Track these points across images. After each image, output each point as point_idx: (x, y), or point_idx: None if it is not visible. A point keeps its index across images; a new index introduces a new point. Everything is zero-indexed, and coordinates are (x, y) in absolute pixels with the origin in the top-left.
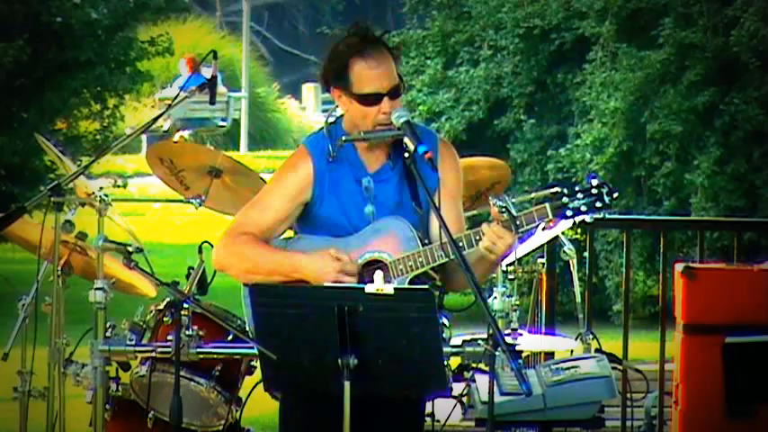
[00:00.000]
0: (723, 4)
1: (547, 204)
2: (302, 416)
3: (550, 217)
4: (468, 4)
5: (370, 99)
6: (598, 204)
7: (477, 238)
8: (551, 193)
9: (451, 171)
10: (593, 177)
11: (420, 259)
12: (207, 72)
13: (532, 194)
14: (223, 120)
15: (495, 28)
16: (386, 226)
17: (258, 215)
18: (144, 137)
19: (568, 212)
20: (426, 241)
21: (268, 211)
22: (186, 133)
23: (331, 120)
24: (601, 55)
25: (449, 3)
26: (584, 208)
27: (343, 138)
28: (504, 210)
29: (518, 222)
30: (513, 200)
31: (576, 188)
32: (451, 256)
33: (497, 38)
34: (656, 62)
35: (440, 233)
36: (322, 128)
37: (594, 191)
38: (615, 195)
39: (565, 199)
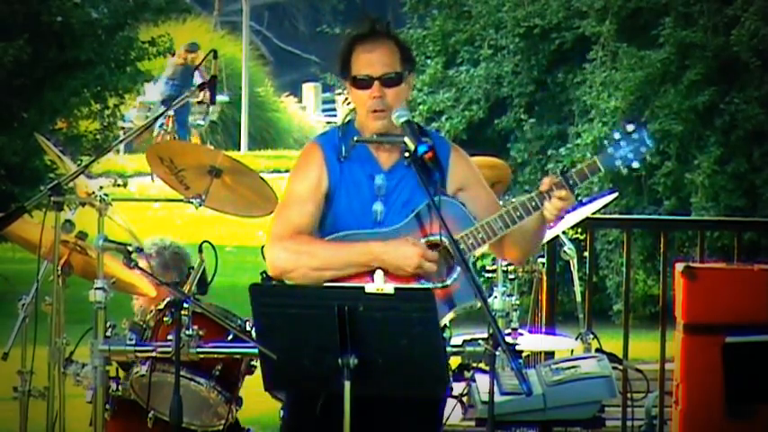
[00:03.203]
0: (723, 3)
1: (596, 157)
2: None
3: (602, 170)
4: (468, 3)
5: (361, 82)
6: (642, 149)
7: (534, 204)
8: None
9: (469, 171)
10: (629, 123)
11: (481, 235)
12: (195, 76)
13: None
14: (203, 119)
15: (495, 27)
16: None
17: (297, 210)
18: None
19: (617, 162)
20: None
21: (305, 204)
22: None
23: (347, 119)
24: (601, 54)
25: (449, 2)
26: (630, 155)
27: (356, 138)
28: (557, 177)
29: (571, 182)
30: (514, 200)
31: (616, 136)
32: (511, 226)
33: (498, 37)
34: (656, 62)
35: (450, 244)
36: (335, 126)
37: (635, 135)
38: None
39: (610, 150)
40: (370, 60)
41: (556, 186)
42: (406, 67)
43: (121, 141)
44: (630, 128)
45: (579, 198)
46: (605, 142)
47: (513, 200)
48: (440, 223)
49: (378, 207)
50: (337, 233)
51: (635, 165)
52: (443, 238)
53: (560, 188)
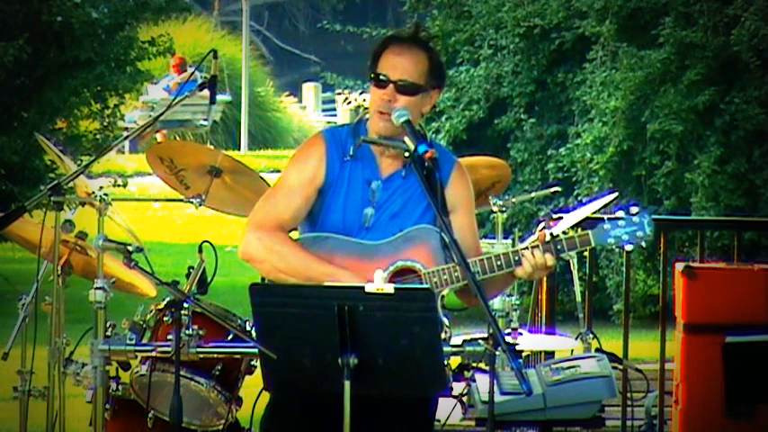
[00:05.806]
0: (723, 3)
1: (590, 232)
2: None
3: (593, 245)
4: (468, 3)
5: (378, 80)
6: (639, 234)
7: (517, 258)
8: (552, 192)
9: (464, 195)
10: (634, 205)
11: (456, 274)
12: (196, 74)
13: (532, 194)
14: (204, 120)
15: (495, 27)
16: (418, 235)
17: (284, 202)
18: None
19: (610, 240)
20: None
21: (293, 196)
22: (165, 131)
23: (363, 117)
24: (601, 54)
25: (449, 2)
26: (625, 237)
27: (362, 138)
28: (551, 236)
29: (559, 247)
30: (513, 200)
31: (618, 214)
32: (488, 274)
33: (497, 37)
34: (656, 61)
35: (450, 245)
36: (348, 123)
37: (636, 219)
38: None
39: (607, 225)
40: (394, 63)
41: (544, 248)
42: (430, 83)
43: (121, 141)
44: (634, 210)
45: (579, 198)
46: (605, 219)
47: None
48: (449, 238)
49: (369, 211)
50: (320, 233)
51: (628, 247)
52: (419, 266)
53: (547, 252)
